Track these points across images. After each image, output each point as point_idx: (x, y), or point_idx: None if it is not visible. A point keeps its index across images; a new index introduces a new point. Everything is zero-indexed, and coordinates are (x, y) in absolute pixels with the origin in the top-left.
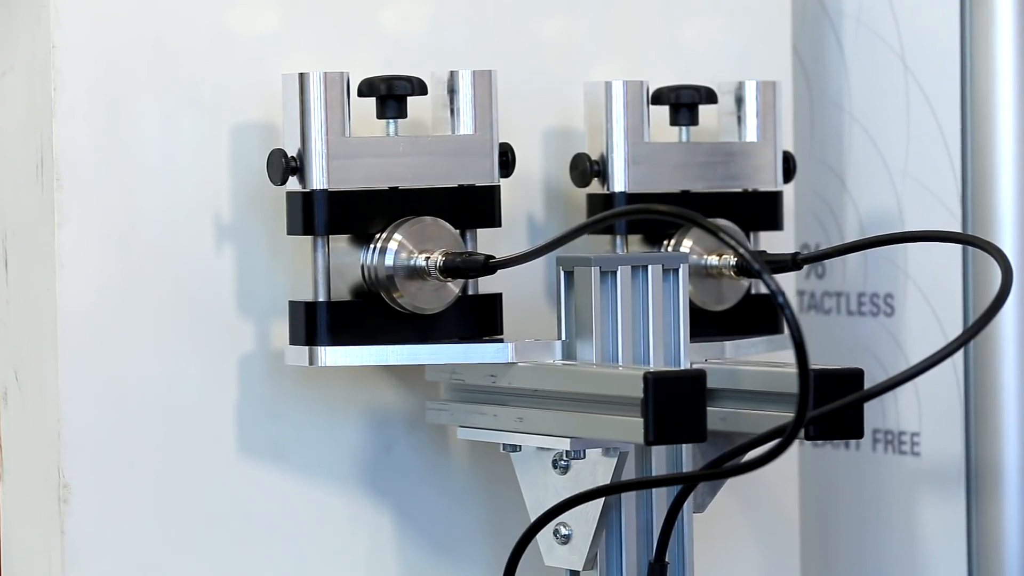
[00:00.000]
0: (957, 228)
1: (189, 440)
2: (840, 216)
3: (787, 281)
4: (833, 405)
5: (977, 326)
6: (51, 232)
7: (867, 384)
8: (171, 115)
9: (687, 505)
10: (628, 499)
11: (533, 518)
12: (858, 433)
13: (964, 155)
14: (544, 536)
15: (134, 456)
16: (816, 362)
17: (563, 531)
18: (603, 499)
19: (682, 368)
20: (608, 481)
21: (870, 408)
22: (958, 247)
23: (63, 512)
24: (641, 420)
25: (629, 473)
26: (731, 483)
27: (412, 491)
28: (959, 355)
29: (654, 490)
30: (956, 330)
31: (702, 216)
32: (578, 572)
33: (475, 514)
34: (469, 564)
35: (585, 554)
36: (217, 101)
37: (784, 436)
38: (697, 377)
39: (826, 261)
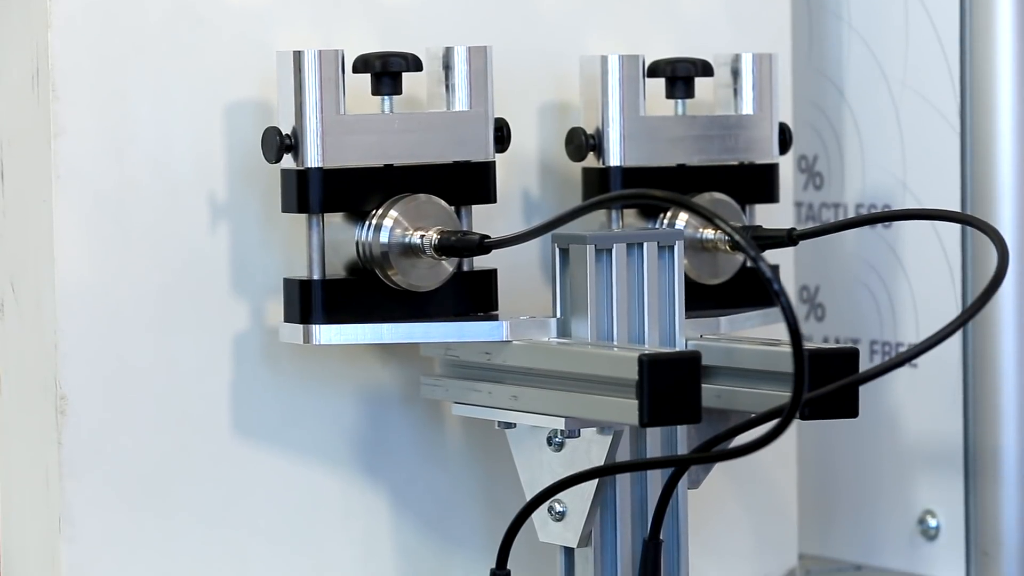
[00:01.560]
0: (955, 139)
1: (185, 358)
2: (838, 127)
3: (784, 256)
4: (827, 388)
5: (971, 311)
6: (47, 143)
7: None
8: (164, 94)
9: (681, 483)
10: (622, 477)
11: (528, 495)
12: (853, 412)
13: (963, 65)
14: (539, 513)
15: (131, 367)
16: (813, 279)
17: (558, 508)
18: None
19: (677, 348)
20: (602, 459)
21: (868, 321)
22: (956, 163)
23: (60, 424)
24: (636, 402)
25: (624, 451)
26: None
27: (407, 467)
28: (957, 275)
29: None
30: (954, 244)
31: (694, 202)
32: (572, 549)
33: (470, 490)
34: (464, 541)
35: (580, 531)
36: (210, 78)
37: (780, 420)
38: (692, 359)
39: (824, 172)
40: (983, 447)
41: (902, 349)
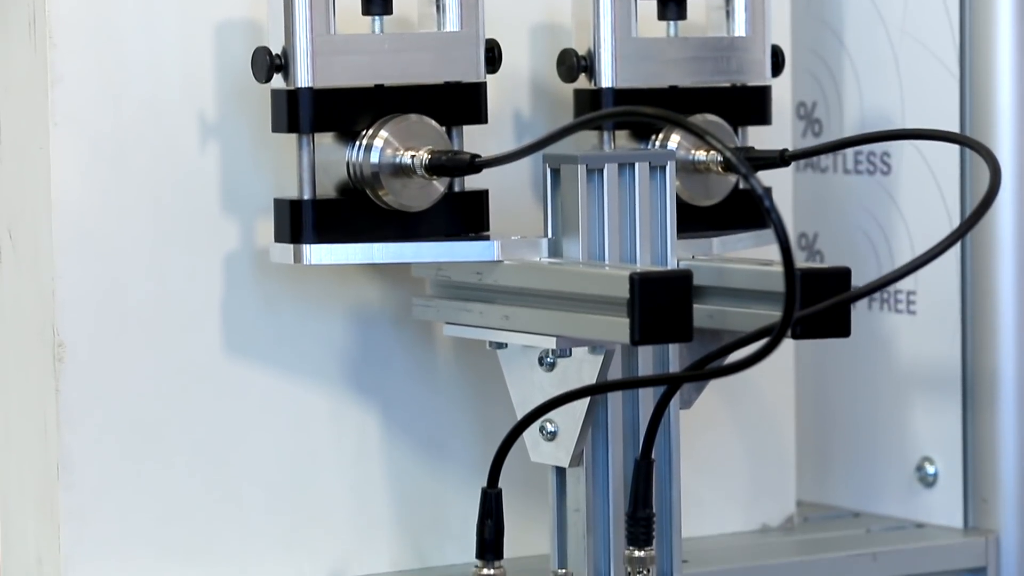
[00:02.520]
0: (955, 86)
1: (181, 297)
2: (837, 74)
3: (779, 177)
4: (819, 306)
5: (962, 230)
6: (44, 91)
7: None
8: (156, 20)
9: (673, 403)
10: (614, 396)
11: (519, 415)
12: (845, 332)
13: (962, 11)
14: (530, 433)
15: (128, 314)
16: (812, 226)
17: (549, 428)
18: (589, 397)
19: (669, 267)
20: (594, 379)
21: (866, 267)
22: (955, 107)
23: (58, 371)
24: (627, 320)
25: (615, 371)
26: (718, 380)
27: (398, 388)
28: (955, 206)
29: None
30: (953, 188)
31: (686, 119)
32: (564, 469)
33: (461, 410)
34: (455, 461)
35: (571, 451)
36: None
37: (771, 338)
38: (683, 277)
39: (823, 118)
40: (981, 395)
41: (900, 295)
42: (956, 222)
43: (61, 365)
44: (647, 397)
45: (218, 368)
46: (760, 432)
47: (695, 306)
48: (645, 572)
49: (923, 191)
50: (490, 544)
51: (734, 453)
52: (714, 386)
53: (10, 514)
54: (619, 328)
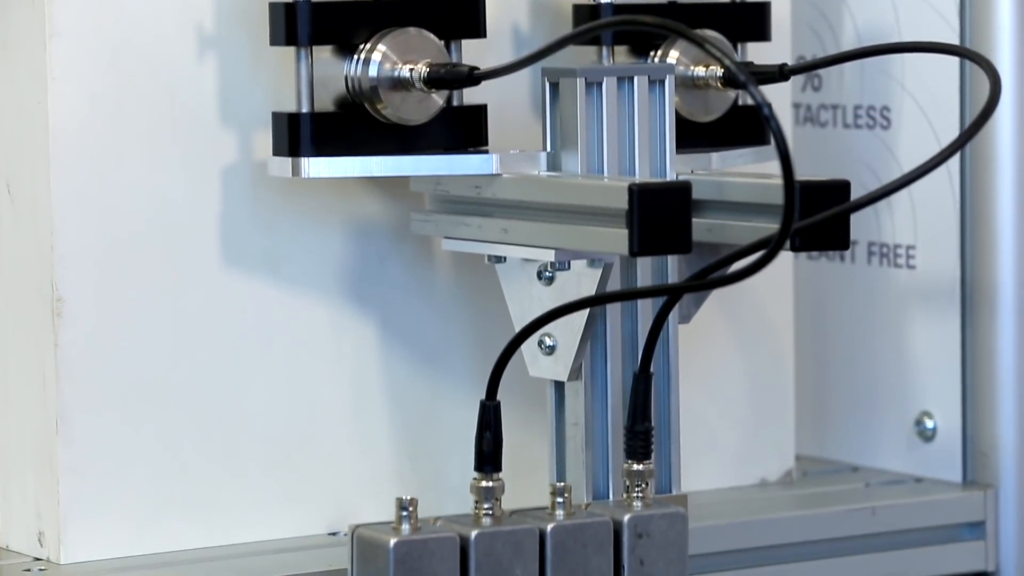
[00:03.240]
0: (955, 39)
1: (178, 251)
2: (837, 29)
3: (778, 93)
4: (818, 216)
5: (962, 140)
6: (42, 45)
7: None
8: None
9: (672, 316)
10: (613, 310)
11: (518, 329)
12: (844, 244)
13: None
14: (529, 347)
15: (127, 268)
16: (811, 175)
17: (548, 342)
18: (588, 310)
19: (667, 179)
20: (593, 292)
21: (865, 222)
22: (955, 59)
23: (57, 326)
24: (626, 231)
25: (614, 285)
26: (718, 295)
27: (397, 302)
28: (955, 167)
29: (639, 301)
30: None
31: (687, 27)
32: (563, 383)
33: (459, 325)
34: (453, 375)
35: (570, 365)
36: None
37: (770, 247)
38: (682, 188)
39: (822, 73)
40: (981, 349)
41: (900, 250)
42: (955, 176)
43: (60, 320)
44: (646, 310)
45: (216, 282)
46: (759, 354)
47: (694, 220)
48: (644, 485)
49: (922, 145)
50: (488, 456)
51: (733, 374)
52: (713, 304)
53: (9, 469)
54: (618, 239)
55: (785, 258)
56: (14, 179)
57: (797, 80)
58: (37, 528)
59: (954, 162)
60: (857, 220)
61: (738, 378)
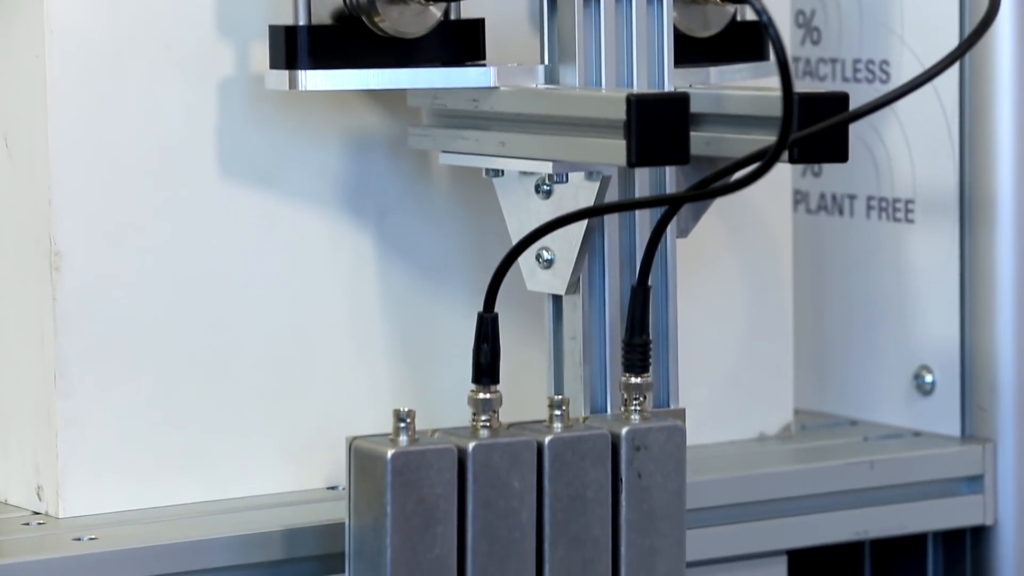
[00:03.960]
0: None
1: (176, 185)
2: None
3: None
4: (817, 127)
5: (963, 48)
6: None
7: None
8: None
9: (670, 229)
10: (611, 222)
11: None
12: (842, 156)
13: None
14: (527, 261)
15: (124, 222)
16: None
17: (546, 256)
18: (586, 223)
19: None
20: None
21: (864, 176)
22: (955, 13)
23: (55, 280)
24: (624, 142)
25: (612, 198)
26: (717, 210)
27: (394, 216)
28: (954, 120)
29: (637, 214)
30: (952, 99)
31: None
32: (560, 297)
33: (457, 240)
34: (451, 288)
35: (568, 278)
36: None
37: (768, 155)
38: (680, 99)
39: (822, 27)
40: (979, 303)
41: (899, 203)
42: (955, 131)
43: (58, 274)
44: (644, 224)
45: (214, 197)
46: (758, 271)
47: (692, 134)
48: (642, 399)
49: (922, 100)
50: (486, 368)
51: (732, 292)
52: (713, 221)
53: (8, 423)
54: (616, 150)
55: (784, 206)
56: (12, 133)
57: (796, 34)
58: (36, 482)
59: (953, 115)
60: (856, 175)
61: (737, 296)
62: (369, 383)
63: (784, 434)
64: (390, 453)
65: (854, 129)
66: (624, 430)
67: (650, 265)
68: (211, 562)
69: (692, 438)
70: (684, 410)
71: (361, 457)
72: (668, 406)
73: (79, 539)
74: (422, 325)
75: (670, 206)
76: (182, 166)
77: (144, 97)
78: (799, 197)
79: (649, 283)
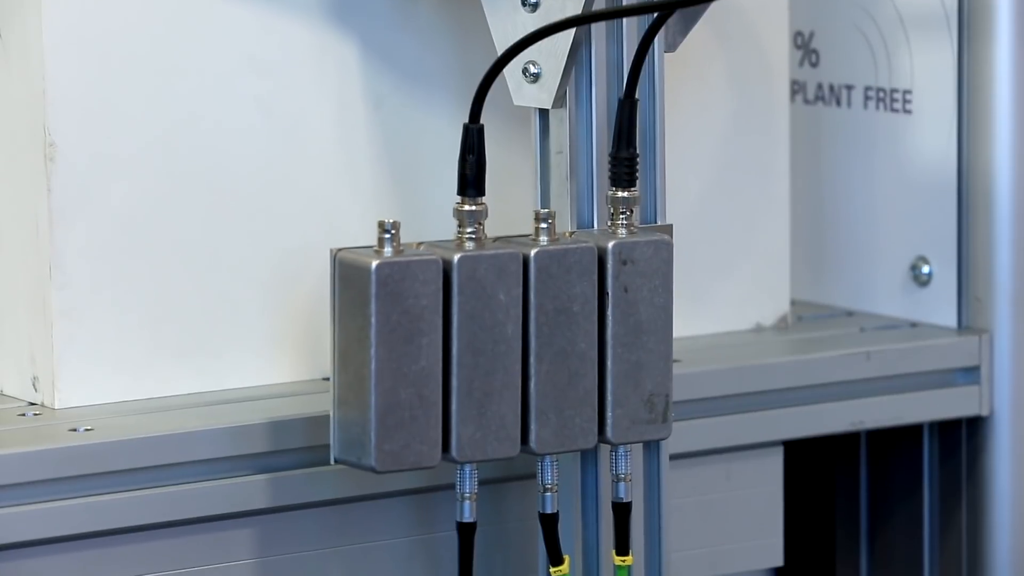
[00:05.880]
0: None
1: (169, 72)
2: None
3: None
4: None
5: None
6: None
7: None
8: None
9: (658, 42)
10: (598, 35)
11: None
12: None
13: None
14: (513, 75)
15: (119, 112)
16: (807, 24)
17: (532, 69)
18: (572, 35)
19: None
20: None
21: (862, 66)
22: None
23: (49, 171)
24: None
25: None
26: (709, 26)
27: (380, 30)
28: (952, 9)
29: (624, 26)
30: None
31: None
32: (547, 111)
33: (443, 53)
34: (438, 101)
35: (554, 92)
36: None
37: None
38: None
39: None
40: (977, 194)
41: (896, 94)
42: (954, 20)
43: (52, 165)
44: (631, 36)
45: (207, 85)
46: (748, 90)
47: None
48: (628, 213)
49: None
50: (472, 180)
51: (722, 108)
52: (703, 34)
53: (3, 314)
54: None
55: (781, 96)
56: (5, 24)
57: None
58: (31, 373)
59: (952, 5)
60: (854, 64)
61: (727, 112)
62: (354, 195)
63: (781, 325)
64: (374, 264)
65: (851, 17)
66: (611, 244)
67: (637, 78)
68: (203, 453)
69: (688, 329)
70: (671, 225)
71: (345, 268)
72: (655, 221)
73: (75, 430)
74: (408, 139)
75: (659, 14)
76: (175, 55)
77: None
78: (796, 87)
79: (636, 96)
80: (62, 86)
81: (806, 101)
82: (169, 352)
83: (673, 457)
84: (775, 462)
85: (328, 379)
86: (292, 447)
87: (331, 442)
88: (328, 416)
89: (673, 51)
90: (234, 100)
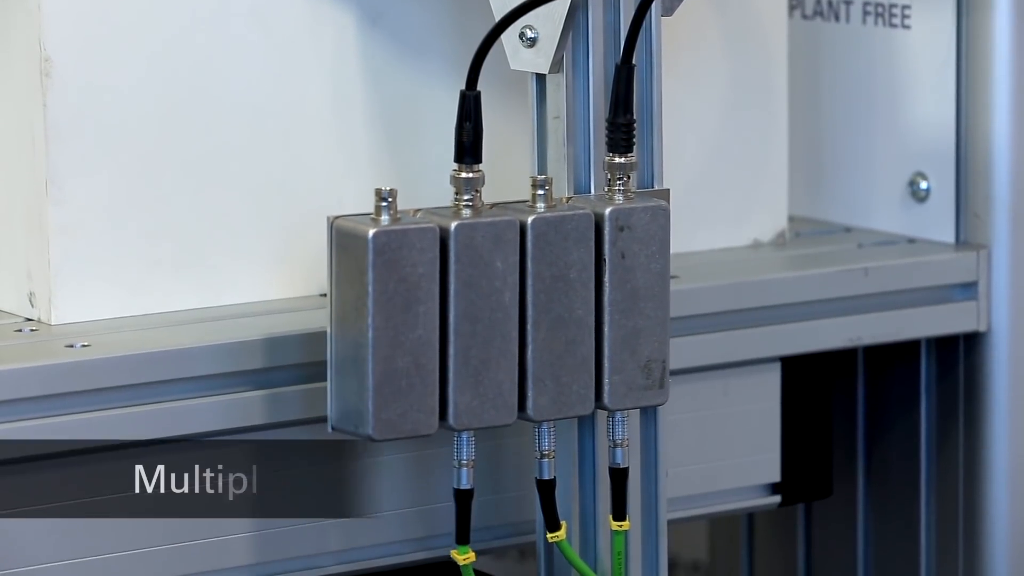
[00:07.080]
0: None
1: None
2: None
3: None
4: None
5: None
6: None
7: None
8: None
9: (655, 7)
10: (595, 2)
11: None
12: None
13: None
14: (510, 39)
15: (115, 27)
16: None
17: (529, 34)
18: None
19: None
20: None
21: None
22: None
23: (45, 86)
24: None
25: None
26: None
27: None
28: None
29: None
30: None
31: None
32: (544, 76)
33: (440, 21)
34: (435, 67)
35: (551, 57)
36: None
37: None
38: None
39: None
40: (975, 110)
41: (895, 8)
42: None
43: (48, 80)
44: (628, 2)
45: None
46: (745, 55)
47: None
48: (626, 179)
49: None
50: (468, 147)
51: (719, 71)
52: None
53: (0, 231)
54: None
55: (779, 11)
56: None
57: None
58: (28, 288)
59: None
60: None
61: (723, 74)
62: (351, 162)
63: (778, 241)
64: (371, 232)
65: None
66: (608, 210)
67: (634, 43)
68: (200, 369)
69: (685, 245)
70: (668, 191)
71: (342, 236)
72: (652, 186)
73: (71, 346)
74: (404, 106)
75: None
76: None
77: None
78: (794, 3)
79: (633, 61)
80: (57, 1)
81: (804, 16)
82: (166, 268)
83: (671, 373)
84: (772, 378)
85: (325, 295)
86: (290, 363)
87: (328, 411)
88: (324, 332)
89: (670, 15)
90: (230, 17)
